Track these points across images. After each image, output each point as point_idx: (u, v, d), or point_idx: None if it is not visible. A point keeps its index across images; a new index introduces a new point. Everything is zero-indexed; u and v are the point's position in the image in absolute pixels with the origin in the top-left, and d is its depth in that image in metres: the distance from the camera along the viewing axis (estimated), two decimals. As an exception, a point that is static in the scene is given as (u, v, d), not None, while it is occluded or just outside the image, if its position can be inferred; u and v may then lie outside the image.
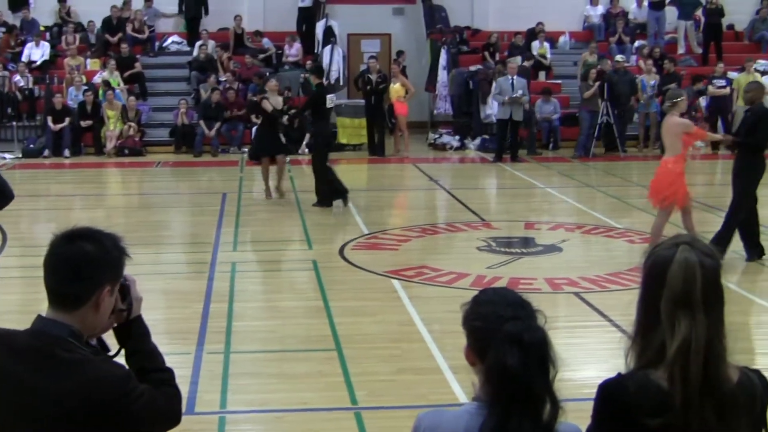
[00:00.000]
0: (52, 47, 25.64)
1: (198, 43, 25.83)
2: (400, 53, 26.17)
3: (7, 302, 10.19)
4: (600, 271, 11.53)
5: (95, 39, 26.34)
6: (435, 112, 25.77)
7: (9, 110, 23.94)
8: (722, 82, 23.86)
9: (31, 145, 23.05)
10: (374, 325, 9.42)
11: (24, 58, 24.94)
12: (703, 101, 24.99)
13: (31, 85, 24.24)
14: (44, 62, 25.11)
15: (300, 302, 10.44)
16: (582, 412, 2.93)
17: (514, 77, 22.00)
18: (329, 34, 26.00)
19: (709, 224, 13.14)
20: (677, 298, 2.71)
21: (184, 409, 3.46)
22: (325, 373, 8.04)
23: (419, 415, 2.89)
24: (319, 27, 26.36)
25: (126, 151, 22.87)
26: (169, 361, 3.31)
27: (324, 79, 17.07)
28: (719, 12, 26.75)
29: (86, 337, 3.04)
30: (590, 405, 2.85)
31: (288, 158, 21.29)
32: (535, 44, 26.39)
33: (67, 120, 22.89)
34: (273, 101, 16.57)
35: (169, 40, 27.06)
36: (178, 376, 3.25)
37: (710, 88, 24.14)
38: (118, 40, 25.76)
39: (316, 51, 26.29)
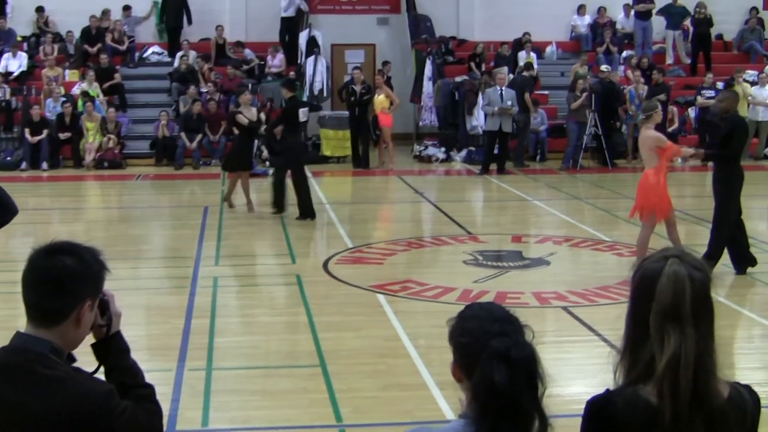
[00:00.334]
0: (30, 58, 25.59)
1: (179, 54, 25.82)
2: (385, 63, 26.22)
3: (-17, 318, 10.14)
4: (588, 284, 11.55)
5: (74, 49, 26.28)
6: (420, 123, 25.80)
7: (-15, 122, 23.87)
8: (711, 93, 23.96)
9: (8, 158, 22.99)
10: (359, 340, 9.41)
11: (1, 69, 24.89)
12: (692, 112, 25.13)
13: (8, 97, 24.15)
14: (22, 73, 25.06)
15: (283, 317, 10.43)
16: (570, 428, 2.94)
17: (503, 88, 22.06)
18: (312, 45, 26.03)
19: (698, 236, 13.21)
20: (666, 311, 2.72)
21: (165, 426, 3.46)
22: (309, 390, 8.02)
23: (405, 432, 2.89)
24: (302, 37, 26.39)
25: (105, 164, 22.82)
26: (150, 378, 3.31)
27: (304, 92, 17.10)
28: (708, 22, 26.91)
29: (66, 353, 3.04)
30: (579, 421, 2.86)
31: (272, 171, 21.37)
32: (522, 54, 26.46)
33: (45, 132, 22.84)
34: (248, 114, 16.65)
35: (150, 51, 27.04)
36: (158, 394, 3.25)
37: (699, 98, 24.25)
38: (97, 50, 25.72)
39: (299, 62, 26.31)
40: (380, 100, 22.89)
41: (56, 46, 26.08)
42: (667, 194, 11.69)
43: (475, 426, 2.73)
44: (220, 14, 27.30)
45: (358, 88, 22.85)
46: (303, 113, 16.18)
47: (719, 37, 28.46)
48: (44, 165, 22.74)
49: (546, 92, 25.79)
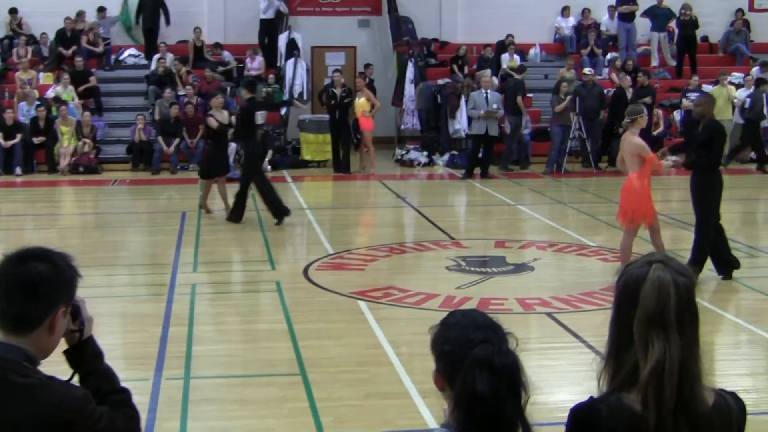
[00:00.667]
0: (3, 60, 25.53)
1: (156, 56, 25.77)
2: (367, 66, 26.24)
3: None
4: (573, 290, 11.58)
5: (48, 52, 26.21)
6: (402, 127, 25.83)
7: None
8: (697, 96, 24.02)
9: (-19, 163, 22.90)
10: (340, 348, 9.41)
11: (-27, 72, 24.82)
12: (677, 115, 25.23)
13: (-20, 101, 24.10)
14: (-6, 76, 25.00)
15: (263, 325, 10.42)
16: (555, 436, 2.95)
17: (489, 91, 22.12)
18: (292, 47, 26.03)
19: (683, 241, 13.26)
20: (650, 317, 2.73)
21: (142, 436, 3.45)
22: (289, 399, 8.01)
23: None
24: (282, 39, 26.38)
25: (81, 169, 22.75)
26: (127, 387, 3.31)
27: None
28: (693, 24, 27.01)
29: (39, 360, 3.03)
30: (563, 430, 2.86)
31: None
32: (505, 57, 26.52)
33: (19, 136, 22.75)
34: (219, 117, 16.65)
35: (126, 53, 26.98)
36: (136, 403, 3.24)
37: (684, 101, 24.36)
38: (72, 53, 25.67)
39: (278, 64, 26.30)
40: (361, 103, 22.90)
41: (30, 49, 26.01)
42: (650, 199, 11.70)
43: (457, 435, 2.74)
44: (198, 16, 27.27)
45: (338, 91, 22.86)
46: (260, 116, 16.12)
47: (705, 39, 28.59)
48: (18, 170, 22.65)
49: (530, 95, 25.85)
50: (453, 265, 12.98)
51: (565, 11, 28.34)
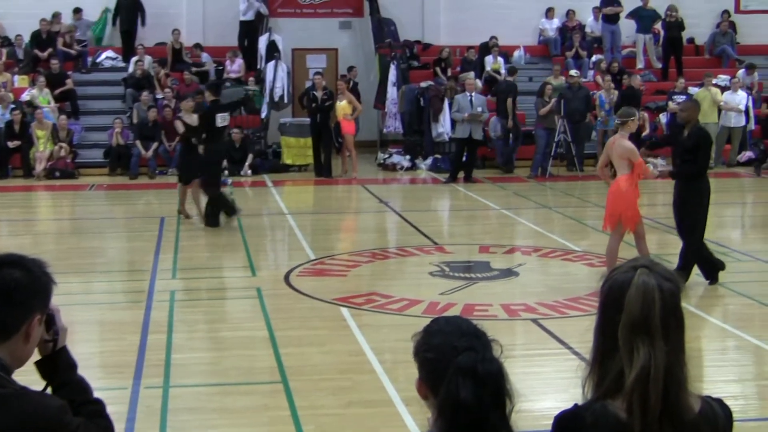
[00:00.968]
0: (-23, 63, 25.40)
1: (134, 59, 25.72)
2: (350, 69, 26.29)
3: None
4: (558, 296, 11.60)
5: (23, 54, 26.11)
6: (384, 130, 25.85)
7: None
8: (683, 98, 24.10)
9: (-45, 168, 22.80)
10: (322, 355, 9.40)
11: (-53, 75, 24.71)
12: (663, 117, 25.32)
13: (-46, 104, 23.98)
14: (-32, 79, 24.90)
15: (243, 332, 10.39)
16: (540, 444, 2.96)
17: (473, 94, 22.17)
18: (272, 49, 26.01)
19: (670, 246, 13.30)
20: (635, 323, 2.73)
21: (120, 447, 3.45)
22: (270, 407, 8.01)
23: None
24: (262, 41, 26.37)
25: (57, 174, 22.67)
26: (104, 397, 3.30)
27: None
28: (679, 25, 27.10)
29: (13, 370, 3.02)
30: (548, 437, 2.87)
31: (230, 180, 21.36)
32: (489, 59, 26.58)
33: (-6, 140, 22.68)
34: (188, 120, 16.67)
35: (103, 56, 26.90)
36: (113, 413, 3.24)
37: (670, 104, 24.45)
38: (47, 55, 25.60)
39: (258, 67, 26.28)
40: (342, 106, 22.89)
41: (5, 51, 25.92)
42: (636, 205, 11.72)
43: (441, 444, 2.74)
44: (177, 17, 27.23)
45: (319, 94, 22.86)
46: (221, 118, 16.11)
47: (690, 40, 28.71)
48: (-8, 175, 22.59)
49: (492, 98, 25.80)
50: (437, 271, 12.99)
51: (549, 13, 28.41)
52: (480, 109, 21.99)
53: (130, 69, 25.66)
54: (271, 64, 25.50)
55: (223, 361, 9.35)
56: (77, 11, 26.92)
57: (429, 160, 24.22)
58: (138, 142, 23.24)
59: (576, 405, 2.84)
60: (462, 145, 22.18)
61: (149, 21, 26.70)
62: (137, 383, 8.53)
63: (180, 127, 16.64)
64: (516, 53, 27.87)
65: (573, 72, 24.47)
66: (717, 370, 9.10)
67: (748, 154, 24.61)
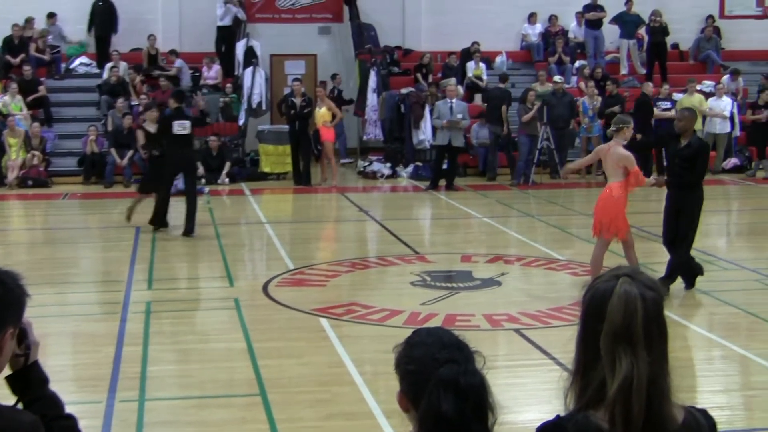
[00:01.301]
0: (-53, 69, 25.30)
1: (108, 65, 25.66)
2: (334, 76, 26.36)
3: None
4: (541, 305, 11.63)
5: (-5, 60, 26.05)
6: (364, 137, 25.87)
7: None
8: (667, 105, 24.23)
9: (-75, 177, 22.70)
10: (301, 367, 9.39)
11: None
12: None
13: (-76, 111, 23.87)
14: (-62, 86, 24.80)
15: (220, 344, 10.37)
16: (522, 456, 2.97)
17: (453, 100, 22.20)
18: (250, 55, 26.01)
19: (656, 255, 13.35)
20: (617, 333, 2.73)
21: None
22: (248, 420, 7.99)
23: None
24: (240, 47, 26.36)
25: (30, 182, 22.59)
26: (79, 411, 3.30)
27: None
28: (663, 30, 27.22)
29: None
30: (530, 449, 2.88)
31: (207, 189, 21.33)
32: (470, 65, 26.64)
33: (-36, 149, 22.59)
34: (151, 130, 16.80)
35: (77, 62, 26.83)
36: (87, 427, 3.24)
37: (655, 110, 24.54)
38: (20, 61, 25.49)
39: (236, 73, 26.27)
40: (322, 113, 22.89)
41: (-24, 57, 25.83)
42: (624, 213, 11.77)
43: (421, 457, 2.74)
44: (153, 23, 27.20)
45: (298, 100, 22.85)
46: (178, 125, 16.14)
47: (675, 46, 28.84)
48: (-37, 184, 22.50)
49: (484, 104, 25.91)
50: (418, 281, 13.00)
51: (531, 18, 28.50)
52: (460, 115, 22.00)
53: (105, 75, 25.60)
54: (249, 70, 25.50)
55: (199, 374, 9.32)
56: (51, 16, 26.85)
57: (410, 168, 24.24)
58: (113, 150, 23.18)
59: (558, 416, 2.84)
60: (442, 152, 22.21)
61: (124, 26, 26.64)
62: (112, 396, 8.51)
63: (140, 139, 16.79)
64: (498, 59, 27.94)
65: (557, 78, 24.55)
66: (702, 380, 9.13)
67: (733, 161, 24.75)
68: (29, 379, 3.17)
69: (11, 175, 22.65)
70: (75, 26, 27.14)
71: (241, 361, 9.53)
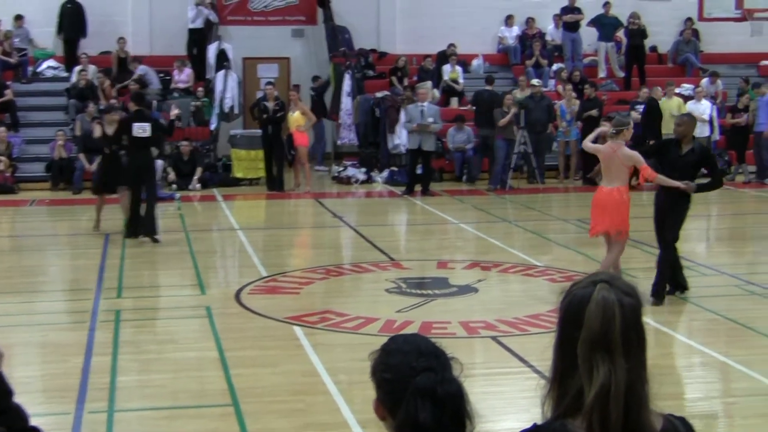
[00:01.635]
0: None
1: (77, 68, 25.55)
2: (315, 78, 26.38)
3: None
4: (519, 312, 11.66)
5: (-40, 64, 25.91)
6: (339, 142, 25.87)
7: None
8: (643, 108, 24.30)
9: None
10: (274, 376, 9.38)
11: None
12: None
13: None
14: None
15: (192, 353, 10.35)
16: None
17: (425, 104, 22.21)
18: (222, 59, 25.97)
19: (634, 260, 13.42)
20: (595, 339, 2.74)
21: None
22: (221, 431, 7.97)
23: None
24: (211, 50, 26.31)
25: (-5, 189, 22.50)
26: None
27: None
28: (642, 33, 27.33)
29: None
30: (507, 458, 2.89)
31: (178, 194, 21.27)
32: (447, 68, 26.68)
33: (-71, 154, 22.45)
34: (108, 131, 16.92)
35: (44, 65, 26.69)
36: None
37: (633, 113, 24.61)
38: (-15, 64, 25.39)
39: (208, 76, 26.22)
40: (295, 117, 22.86)
41: (-60, 60, 25.69)
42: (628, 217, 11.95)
43: (398, 467, 2.74)
44: (122, 25, 27.10)
45: (271, 104, 22.82)
46: (138, 128, 16.16)
47: (653, 49, 28.95)
48: (-73, 190, 22.35)
49: (473, 108, 25.99)
50: (393, 288, 13.00)
51: (508, 20, 28.56)
52: (431, 119, 21.99)
53: (73, 79, 25.49)
54: (221, 73, 25.45)
55: (171, 384, 9.29)
56: (19, 18, 26.72)
57: (385, 173, 24.25)
58: (82, 155, 23.06)
59: (535, 424, 2.85)
60: (414, 156, 22.23)
61: (94, 29, 26.51)
62: (80, 408, 8.47)
63: (97, 133, 17.00)
64: (474, 62, 28.00)
65: (535, 81, 24.61)
66: (682, 388, 9.18)
67: (712, 166, 24.80)
68: (-8, 392, 3.15)
69: (-23, 181, 22.53)
70: (43, 29, 27.00)
71: (214, 371, 9.51)
